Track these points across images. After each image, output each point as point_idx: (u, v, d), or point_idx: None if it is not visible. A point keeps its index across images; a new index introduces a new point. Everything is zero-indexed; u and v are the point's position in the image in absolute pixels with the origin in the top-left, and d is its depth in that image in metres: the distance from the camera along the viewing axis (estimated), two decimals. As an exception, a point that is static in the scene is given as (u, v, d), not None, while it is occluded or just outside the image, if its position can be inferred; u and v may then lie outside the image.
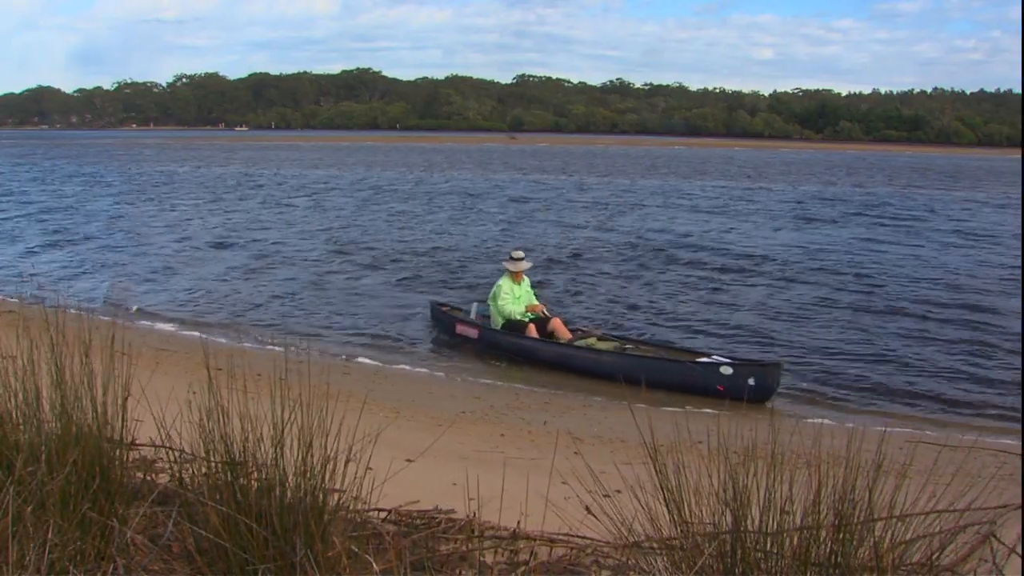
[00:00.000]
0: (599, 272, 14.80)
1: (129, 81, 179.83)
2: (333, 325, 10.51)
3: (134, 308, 11.13)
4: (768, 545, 2.29)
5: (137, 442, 3.16)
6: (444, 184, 36.57)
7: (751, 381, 7.49)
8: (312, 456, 2.39)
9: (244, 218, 22.54)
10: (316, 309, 11.43)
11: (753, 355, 8.88)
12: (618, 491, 2.60)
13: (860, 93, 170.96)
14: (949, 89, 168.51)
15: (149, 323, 10.40)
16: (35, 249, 16.62)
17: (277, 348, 8.82)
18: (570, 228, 20.98)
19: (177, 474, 2.76)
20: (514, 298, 9.25)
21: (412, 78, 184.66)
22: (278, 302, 11.86)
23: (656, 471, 2.36)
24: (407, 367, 8.62)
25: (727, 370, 7.67)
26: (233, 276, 13.84)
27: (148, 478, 3.04)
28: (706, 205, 28.71)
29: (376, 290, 12.97)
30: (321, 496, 2.40)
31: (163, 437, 2.77)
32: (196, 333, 9.79)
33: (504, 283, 9.32)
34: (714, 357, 8.07)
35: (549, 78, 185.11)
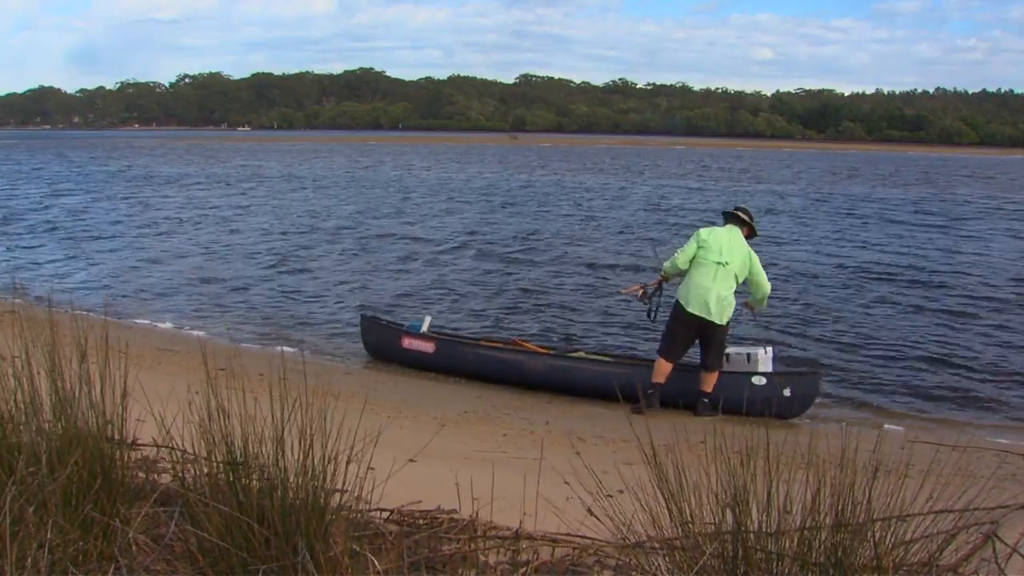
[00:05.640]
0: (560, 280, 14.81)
1: (132, 81, 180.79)
2: (334, 324, 10.51)
3: (136, 307, 11.14)
4: (768, 545, 2.29)
5: (139, 442, 3.17)
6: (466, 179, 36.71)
7: (786, 392, 7.01)
8: (313, 456, 2.40)
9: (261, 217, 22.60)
10: (318, 308, 11.43)
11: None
12: (620, 491, 2.61)
13: (863, 93, 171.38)
14: (951, 89, 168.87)
15: (150, 323, 10.41)
16: (36, 250, 16.64)
17: (278, 348, 8.84)
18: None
19: (179, 474, 2.76)
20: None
21: (414, 78, 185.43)
22: (279, 302, 11.87)
23: (656, 472, 2.37)
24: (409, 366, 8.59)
25: (759, 380, 7.13)
26: (237, 274, 13.85)
27: (150, 478, 3.05)
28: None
29: (386, 289, 12.99)
30: (323, 496, 2.40)
31: (164, 437, 2.77)
32: (197, 333, 9.81)
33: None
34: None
35: (552, 78, 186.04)
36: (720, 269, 6.95)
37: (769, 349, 7.44)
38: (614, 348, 9.05)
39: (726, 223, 7.25)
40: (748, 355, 7.29)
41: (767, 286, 7.17)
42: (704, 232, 7.18)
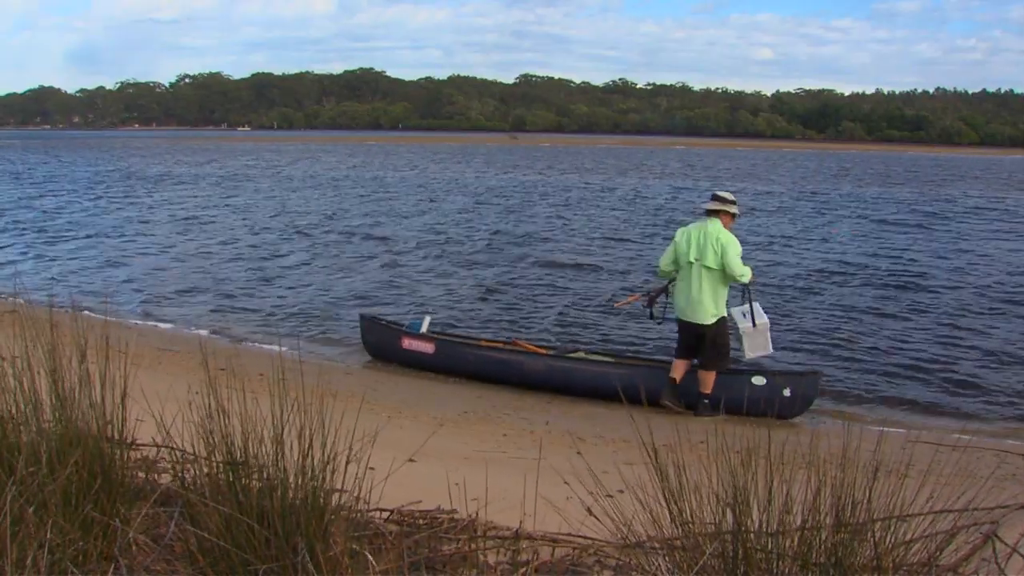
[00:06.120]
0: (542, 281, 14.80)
1: (132, 81, 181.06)
2: (333, 324, 10.50)
3: (138, 307, 11.14)
4: (769, 545, 2.29)
5: (139, 442, 3.16)
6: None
7: (787, 392, 7.01)
8: (313, 456, 2.39)
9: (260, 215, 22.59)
10: (318, 307, 11.42)
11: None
12: (620, 491, 2.60)
13: (863, 93, 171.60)
14: (951, 89, 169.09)
15: (149, 322, 10.40)
16: (36, 250, 16.63)
17: (278, 348, 8.83)
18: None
19: (179, 474, 2.76)
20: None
21: (414, 78, 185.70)
22: (279, 301, 11.86)
23: (657, 472, 2.36)
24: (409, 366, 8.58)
25: (760, 380, 7.11)
26: (238, 274, 13.85)
27: (150, 478, 3.05)
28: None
29: (385, 289, 12.98)
30: (322, 496, 2.40)
31: (164, 437, 2.77)
32: (197, 332, 9.80)
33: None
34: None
35: (552, 78, 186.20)
36: (693, 268, 6.96)
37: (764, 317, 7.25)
38: (582, 346, 8.96)
39: (707, 217, 7.15)
40: (743, 312, 7.14)
41: (742, 275, 6.89)
42: (677, 234, 7.19)
